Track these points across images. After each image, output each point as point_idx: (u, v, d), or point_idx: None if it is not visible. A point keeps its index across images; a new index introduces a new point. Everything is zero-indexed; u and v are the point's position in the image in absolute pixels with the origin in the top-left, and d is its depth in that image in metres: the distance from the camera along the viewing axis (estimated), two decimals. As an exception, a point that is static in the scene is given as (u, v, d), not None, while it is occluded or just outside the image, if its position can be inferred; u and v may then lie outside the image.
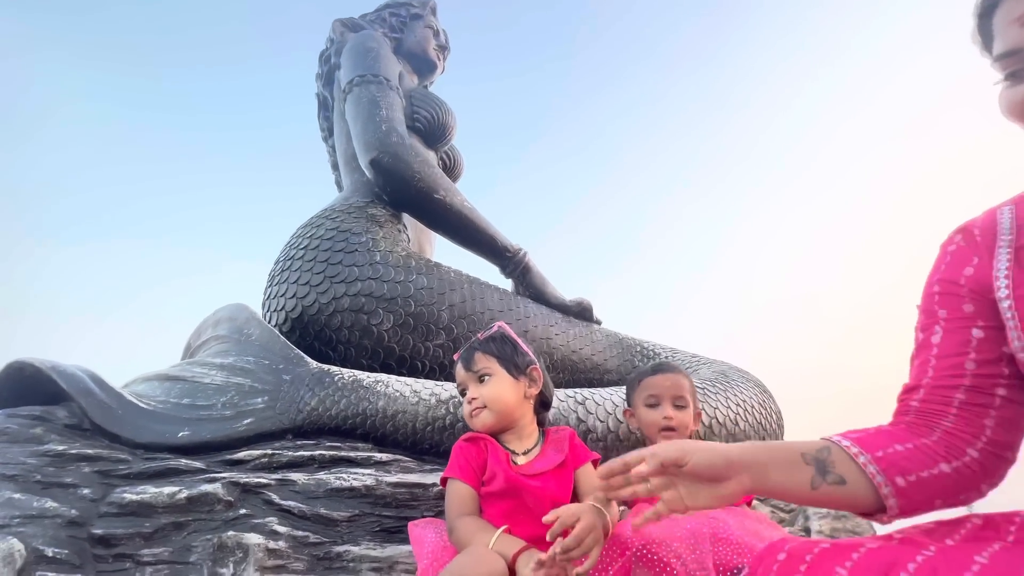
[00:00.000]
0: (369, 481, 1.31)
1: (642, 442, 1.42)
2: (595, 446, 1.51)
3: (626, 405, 1.41)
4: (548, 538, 0.86)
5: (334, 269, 1.85)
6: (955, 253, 0.71)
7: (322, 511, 1.25)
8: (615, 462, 0.70)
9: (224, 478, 1.26)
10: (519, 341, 1.20)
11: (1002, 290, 0.64)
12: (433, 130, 2.34)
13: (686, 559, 0.90)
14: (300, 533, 1.21)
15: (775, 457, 0.66)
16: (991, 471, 0.64)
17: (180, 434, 1.37)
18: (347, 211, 2.06)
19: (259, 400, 1.47)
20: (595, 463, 1.14)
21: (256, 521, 1.20)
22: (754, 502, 1.31)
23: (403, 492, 1.31)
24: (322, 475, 1.32)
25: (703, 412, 1.58)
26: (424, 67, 2.64)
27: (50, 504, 1.15)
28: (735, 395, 1.86)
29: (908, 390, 0.70)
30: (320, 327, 1.79)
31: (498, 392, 1.11)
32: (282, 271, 1.93)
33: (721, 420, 1.73)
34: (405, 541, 1.16)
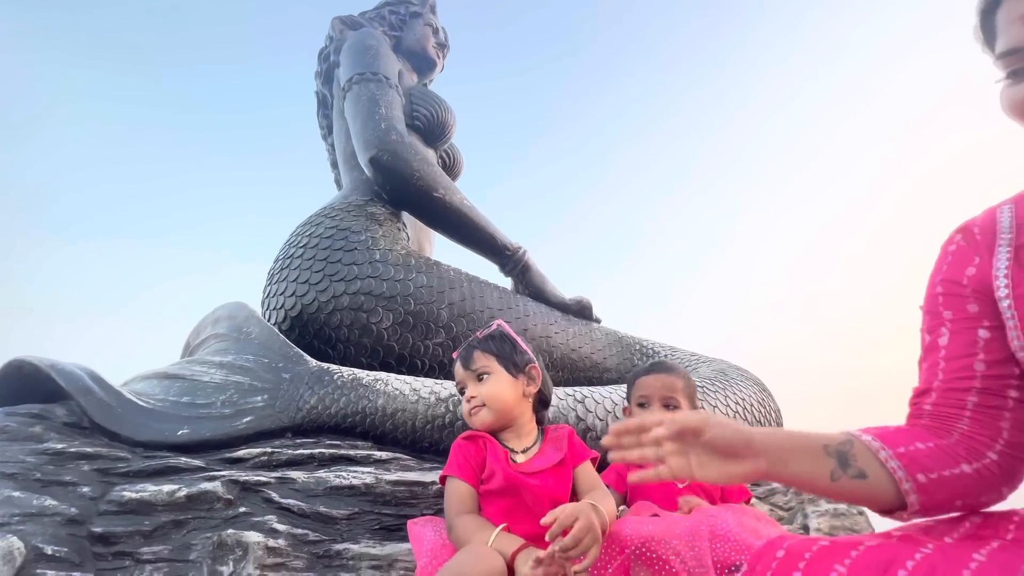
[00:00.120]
0: (369, 479, 1.31)
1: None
2: (594, 444, 1.51)
3: (626, 403, 1.41)
4: (547, 539, 0.86)
5: (333, 267, 1.85)
6: (956, 253, 0.70)
7: (322, 509, 1.25)
8: (630, 421, 0.68)
9: (224, 476, 1.26)
10: (518, 339, 1.20)
11: (1002, 289, 0.63)
12: (432, 128, 2.34)
13: (685, 557, 0.90)
14: (300, 531, 1.21)
15: (797, 445, 0.65)
16: (1010, 474, 0.63)
17: (179, 432, 1.37)
18: (346, 209, 2.05)
19: (259, 398, 1.47)
20: (594, 461, 1.14)
21: (256, 519, 1.20)
22: (753, 501, 1.31)
23: (402, 490, 1.32)
24: (322, 473, 1.32)
25: (703, 411, 1.58)
26: (424, 65, 2.64)
27: (49, 502, 1.14)
28: (734, 393, 1.86)
29: (919, 393, 0.69)
30: (319, 325, 1.79)
31: (497, 390, 1.11)
32: (281, 269, 1.93)
33: (720, 419, 1.73)
34: (404, 539, 1.16)
